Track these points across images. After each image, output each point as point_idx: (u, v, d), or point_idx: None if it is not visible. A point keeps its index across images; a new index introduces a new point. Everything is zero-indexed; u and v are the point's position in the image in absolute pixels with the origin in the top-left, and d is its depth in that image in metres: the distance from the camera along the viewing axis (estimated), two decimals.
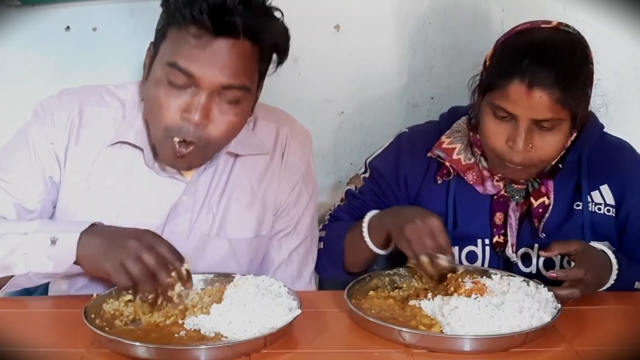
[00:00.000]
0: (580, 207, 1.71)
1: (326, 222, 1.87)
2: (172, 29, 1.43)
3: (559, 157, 1.68)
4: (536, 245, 1.70)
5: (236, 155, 1.63)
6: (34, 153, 1.56)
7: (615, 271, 1.57)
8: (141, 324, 1.40)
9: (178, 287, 1.39)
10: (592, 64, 1.61)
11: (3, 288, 1.49)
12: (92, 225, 1.43)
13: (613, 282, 1.57)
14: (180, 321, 1.38)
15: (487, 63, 1.65)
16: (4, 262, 1.44)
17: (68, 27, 2.11)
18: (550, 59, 1.53)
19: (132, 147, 1.57)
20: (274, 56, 1.50)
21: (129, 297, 1.42)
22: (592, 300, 1.54)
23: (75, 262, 1.41)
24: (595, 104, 1.67)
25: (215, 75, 1.41)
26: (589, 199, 1.71)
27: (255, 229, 1.66)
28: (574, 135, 1.67)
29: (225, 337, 1.31)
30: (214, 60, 1.40)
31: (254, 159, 1.65)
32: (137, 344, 1.26)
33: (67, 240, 1.40)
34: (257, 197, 1.65)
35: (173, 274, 1.37)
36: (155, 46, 1.49)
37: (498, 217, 1.73)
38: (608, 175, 1.72)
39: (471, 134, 1.73)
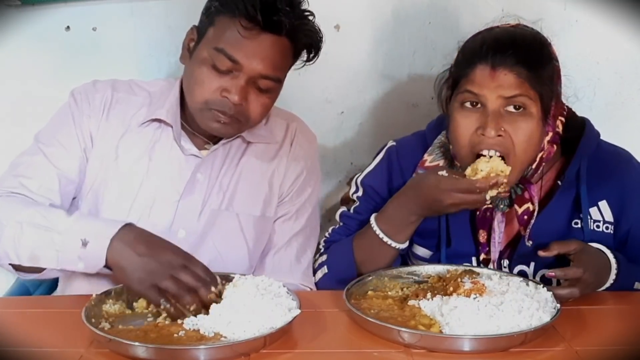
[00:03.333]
0: (579, 226, 1.67)
1: (321, 249, 1.82)
2: (222, 17, 1.57)
3: (537, 157, 1.62)
4: (532, 263, 1.67)
5: (249, 142, 1.74)
6: (72, 125, 1.68)
7: (614, 271, 1.57)
8: (143, 323, 1.40)
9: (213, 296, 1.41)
10: (556, 60, 1.61)
11: (36, 276, 1.54)
12: (123, 227, 1.46)
13: (612, 281, 1.57)
14: (179, 321, 1.38)
15: (452, 68, 1.65)
16: (34, 253, 1.49)
17: (68, 27, 2.11)
18: (510, 44, 1.55)
19: (158, 125, 1.70)
20: (304, 53, 1.65)
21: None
22: (592, 300, 1.54)
23: (106, 266, 1.45)
24: (565, 95, 1.66)
25: (257, 63, 1.56)
26: (589, 217, 1.67)
27: (262, 209, 1.74)
28: (550, 135, 1.61)
29: (225, 337, 1.31)
30: (258, 51, 1.56)
31: (265, 146, 1.76)
32: (136, 344, 1.27)
33: (97, 245, 1.45)
34: (265, 180, 1.75)
35: (213, 288, 1.40)
36: (199, 30, 1.63)
37: (482, 235, 1.69)
38: (606, 191, 1.67)
39: (451, 146, 1.69)
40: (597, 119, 1.76)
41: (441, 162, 1.71)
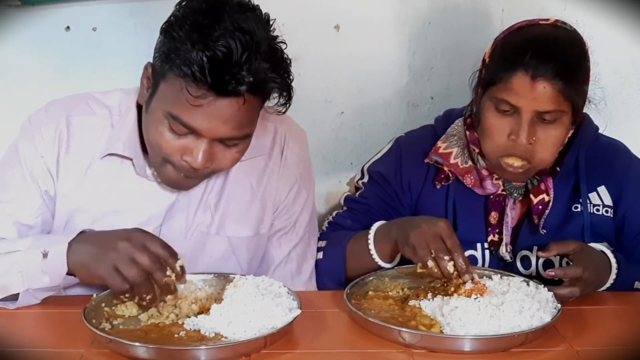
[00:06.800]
0: (578, 209, 1.71)
1: (324, 230, 1.84)
2: (171, 74, 1.38)
3: (556, 155, 1.67)
4: (535, 247, 1.70)
5: None
6: (26, 169, 1.58)
7: (614, 270, 1.57)
8: (141, 324, 1.40)
9: (177, 270, 1.38)
10: (589, 60, 1.62)
11: (15, 306, 1.49)
12: (81, 233, 1.44)
13: (612, 281, 1.58)
14: (180, 321, 1.39)
15: (487, 60, 1.65)
16: (1, 282, 1.46)
17: (68, 27, 2.10)
18: (552, 51, 1.55)
19: (122, 157, 1.58)
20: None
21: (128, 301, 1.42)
22: (592, 300, 1.55)
23: (69, 273, 1.43)
24: (596, 98, 1.68)
25: (217, 127, 1.40)
26: (588, 201, 1.71)
27: (255, 227, 1.67)
28: (571, 132, 1.67)
29: (225, 338, 1.31)
30: (217, 116, 1.39)
31: (254, 159, 1.65)
32: (137, 344, 1.27)
33: (57, 252, 1.42)
34: (257, 196, 1.67)
35: (169, 272, 1.37)
36: (153, 69, 1.45)
37: (493, 217, 1.73)
38: (605, 177, 1.73)
39: (468, 133, 1.73)
40: (597, 119, 1.77)
41: (455, 150, 1.74)
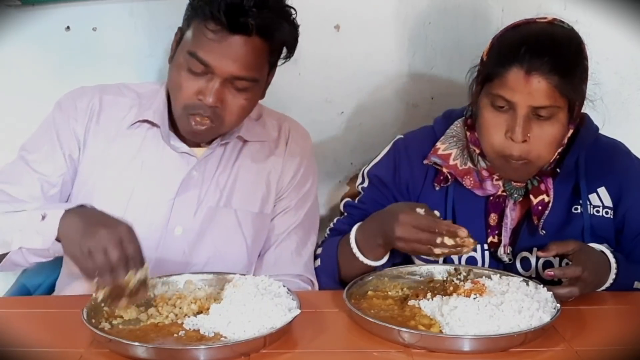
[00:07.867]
0: (578, 211, 1.71)
1: (325, 238, 1.84)
2: (195, 20, 1.59)
3: (556, 155, 1.67)
4: (534, 248, 1.70)
5: (244, 141, 1.75)
6: (55, 133, 1.70)
7: (613, 270, 1.57)
8: (140, 324, 1.40)
9: (133, 282, 1.36)
10: (587, 59, 1.62)
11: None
12: (81, 206, 1.50)
13: (612, 281, 1.57)
14: (179, 321, 1.39)
15: (485, 58, 1.65)
16: (3, 238, 1.53)
17: (68, 27, 2.10)
18: (548, 47, 1.55)
19: (148, 126, 1.71)
20: (284, 49, 1.65)
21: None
22: (592, 300, 1.54)
23: (58, 240, 1.47)
24: (592, 95, 1.67)
25: (228, 65, 1.56)
26: (588, 202, 1.71)
27: (260, 206, 1.76)
28: (570, 132, 1.67)
29: (225, 337, 1.32)
30: (228, 53, 1.55)
31: (261, 145, 1.78)
32: (136, 344, 1.27)
33: (53, 216, 1.48)
34: (262, 179, 1.77)
35: (127, 277, 1.34)
36: (181, 32, 1.64)
37: (492, 219, 1.72)
38: (605, 178, 1.72)
39: (468, 133, 1.73)
40: (597, 119, 1.77)
41: (454, 151, 1.73)
